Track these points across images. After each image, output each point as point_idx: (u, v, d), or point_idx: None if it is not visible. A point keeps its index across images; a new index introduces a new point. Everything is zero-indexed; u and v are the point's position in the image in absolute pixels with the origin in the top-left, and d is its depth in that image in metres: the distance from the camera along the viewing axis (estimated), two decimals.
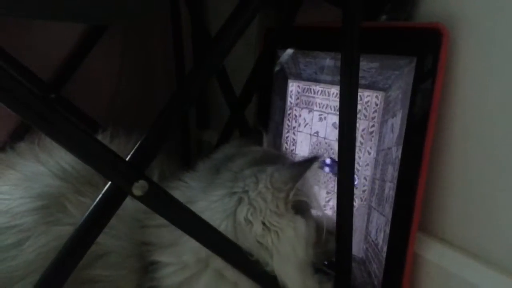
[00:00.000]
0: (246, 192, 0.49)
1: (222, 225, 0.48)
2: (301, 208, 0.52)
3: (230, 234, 0.48)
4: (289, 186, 0.49)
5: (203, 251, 0.47)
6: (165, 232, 0.48)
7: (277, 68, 0.74)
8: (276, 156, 0.57)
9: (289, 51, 0.72)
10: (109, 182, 0.39)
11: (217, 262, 0.48)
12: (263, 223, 0.49)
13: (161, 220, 0.48)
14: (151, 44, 0.92)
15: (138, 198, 0.39)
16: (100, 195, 0.38)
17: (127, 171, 0.39)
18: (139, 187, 0.39)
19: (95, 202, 0.39)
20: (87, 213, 0.38)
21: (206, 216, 0.47)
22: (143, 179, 0.39)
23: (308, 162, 0.51)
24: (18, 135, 0.74)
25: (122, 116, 0.86)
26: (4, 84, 0.33)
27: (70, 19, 0.63)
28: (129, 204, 0.51)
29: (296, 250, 0.51)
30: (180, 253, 0.48)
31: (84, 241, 0.39)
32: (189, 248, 0.48)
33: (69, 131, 0.36)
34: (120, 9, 0.42)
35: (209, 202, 0.49)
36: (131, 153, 0.39)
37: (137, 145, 0.39)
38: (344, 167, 0.52)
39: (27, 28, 0.75)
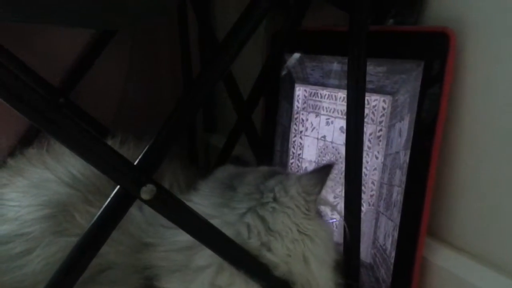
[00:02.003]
0: (277, 200, 0.49)
1: (254, 236, 0.47)
2: (319, 213, 0.52)
3: (262, 244, 0.47)
4: (318, 189, 0.50)
5: (211, 273, 0.46)
6: (174, 255, 0.47)
7: (284, 72, 0.74)
8: (283, 171, 0.56)
9: (296, 55, 0.72)
10: (117, 186, 0.39)
11: (222, 280, 0.47)
12: (298, 229, 0.49)
13: (169, 245, 0.47)
14: (159, 49, 0.93)
15: (146, 202, 0.39)
16: (109, 199, 0.39)
17: (135, 175, 0.39)
18: (147, 191, 0.39)
19: (103, 206, 0.39)
20: (95, 217, 0.39)
21: (234, 229, 0.47)
22: (151, 183, 0.39)
23: (327, 167, 0.51)
24: (27, 140, 0.75)
25: (129, 121, 0.86)
26: (14, 88, 0.33)
27: (76, 24, 0.64)
28: (137, 219, 0.50)
29: (329, 252, 0.51)
30: (188, 281, 0.46)
31: (92, 245, 0.39)
32: (197, 273, 0.46)
33: (78, 135, 0.37)
34: (125, 12, 0.42)
35: (236, 216, 0.48)
36: (139, 157, 0.39)
37: (145, 150, 0.40)
38: (352, 171, 0.52)
39: (36, 34, 0.75)
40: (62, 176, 0.55)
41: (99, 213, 0.39)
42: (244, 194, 0.50)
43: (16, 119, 0.73)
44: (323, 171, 0.51)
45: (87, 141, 0.37)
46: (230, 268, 0.46)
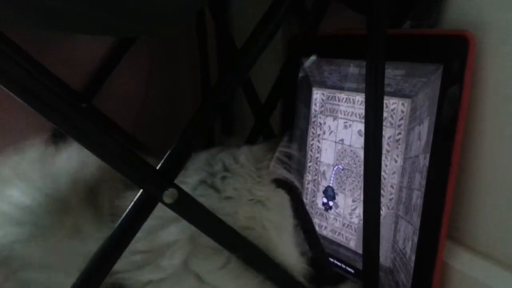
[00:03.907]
0: (227, 169, 0.49)
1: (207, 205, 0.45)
2: (282, 186, 0.52)
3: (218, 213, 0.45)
4: (269, 156, 0.50)
5: None
6: None
7: (301, 75, 0.75)
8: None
9: (313, 57, 0.72)
10: (141, 190, 0.40)
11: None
12: (250, 193, 0.48)
13: None
14: (178, 55, 0.94)
15: (169, 206, 0.40)
16: (132, 203, 0.40)
17: (158, 179, 0.40)
18: (169, 195, 0.40)
19: (127, 210, 0.40)
20: (119, 221, 0.40)
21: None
22: (173, 187, 0.40)
23: (279, 138, 0.51)
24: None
25: (149, 126, 0.88)
26: (40, 94, 0.35)
27: (101, 33, 0.65)
28: None
29: (286, 219, 0.51)
30: None
31: (115, 249, 0.40)
32: None
33: (101, 139, 0.38)
34: (139, 21, 0.43)
35: (188, 190, 0.44)
36: (161, 162, 0.40)
37: (166, 154, 0.41)
38: (371, 175, 0.52)
39: (60, 42, 0.77)
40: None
41: (122, 216, 0.40)
42: (194, 169, 0.50)
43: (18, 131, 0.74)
44: (274, 140, 0.51)
45: (111, 146, 0.38)
46: None
